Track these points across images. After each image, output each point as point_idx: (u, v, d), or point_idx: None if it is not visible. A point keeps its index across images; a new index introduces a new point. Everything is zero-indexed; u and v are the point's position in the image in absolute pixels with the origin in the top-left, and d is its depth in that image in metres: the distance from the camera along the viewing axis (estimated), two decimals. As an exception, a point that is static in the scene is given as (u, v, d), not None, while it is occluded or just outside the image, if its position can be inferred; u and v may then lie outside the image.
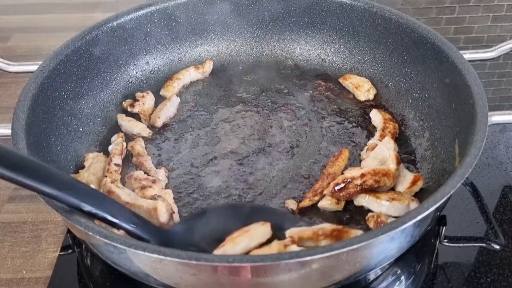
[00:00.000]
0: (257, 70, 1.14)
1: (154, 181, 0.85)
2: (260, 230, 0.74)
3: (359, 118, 1.02)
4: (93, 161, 0.90)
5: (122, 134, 0.97)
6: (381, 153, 0.88)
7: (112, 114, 1.02)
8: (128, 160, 0.93)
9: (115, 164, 0.89)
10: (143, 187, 0.83)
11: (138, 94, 1.05)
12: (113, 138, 0.96)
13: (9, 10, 1.49)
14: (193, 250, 0.62)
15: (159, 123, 1.01)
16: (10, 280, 0.81)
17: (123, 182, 0.87)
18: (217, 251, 0.70)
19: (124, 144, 0.94)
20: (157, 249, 0.61)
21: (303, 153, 0.95)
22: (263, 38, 1.16)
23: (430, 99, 0.95)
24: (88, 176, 0.86)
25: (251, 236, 0.72)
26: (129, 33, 1.05)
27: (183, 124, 1.02)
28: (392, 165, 0.85)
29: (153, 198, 0.81)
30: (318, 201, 0.84)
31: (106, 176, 0.86)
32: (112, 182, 0.84)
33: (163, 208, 0.79)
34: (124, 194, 0.81)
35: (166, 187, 0.89)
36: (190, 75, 1.11)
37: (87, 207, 0.65)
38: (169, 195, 0.85)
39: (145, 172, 0.89)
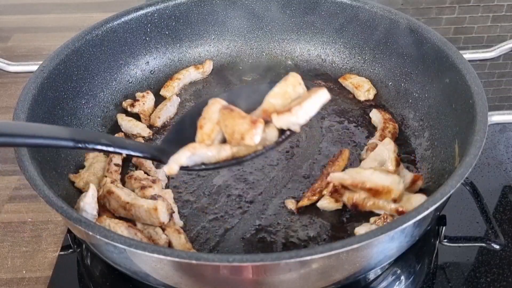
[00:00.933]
0: (257, 70, 1.14)
1: (154, 181, 0.85)
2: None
3: (359, 118, 1.02)
4: (93, 161, 0.90)
5: (122, 134, 0.97)
6: (381, 154, 0.88)
7: (112, 114, 1.02)
8: (128, 160, 0.93)
9: (115, 164, 0.89)
10: (143, 187, 0.83)
11: (138, 94, 1.05)
12: (113, 138, 0.96)
13: (9, 10, 1.49)
14: None
15: (159, 123, 1.01)
16: (10, 280, 0.81)
17: (123, 182, 0.87)
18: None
19: (124, 144, 0.94)
20: (157, 249, 0.61)
21: (303, 153, 0.95)
22: (263, 38, 1.16)
23: (430, 99, 0.95)
24: (88, 176, 0.86)
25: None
26: (129, 33, 1.05)
27: (183, 124, 1.02)
28: (391, 167, 0.85)
29: (153, 198, 0.81)
30: (317, 201, 0.84)
31: (106, 176, 0.86)
32: (112, 182, 0.84)
33: (163, 207, 0.79)
34: (124, 194, 0.81)
35: (166, 186, 0.89)
36: (190, 75, 1.11)
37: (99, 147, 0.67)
38: (169, 194, 0.85)
39: (145, 172, 0.89)
